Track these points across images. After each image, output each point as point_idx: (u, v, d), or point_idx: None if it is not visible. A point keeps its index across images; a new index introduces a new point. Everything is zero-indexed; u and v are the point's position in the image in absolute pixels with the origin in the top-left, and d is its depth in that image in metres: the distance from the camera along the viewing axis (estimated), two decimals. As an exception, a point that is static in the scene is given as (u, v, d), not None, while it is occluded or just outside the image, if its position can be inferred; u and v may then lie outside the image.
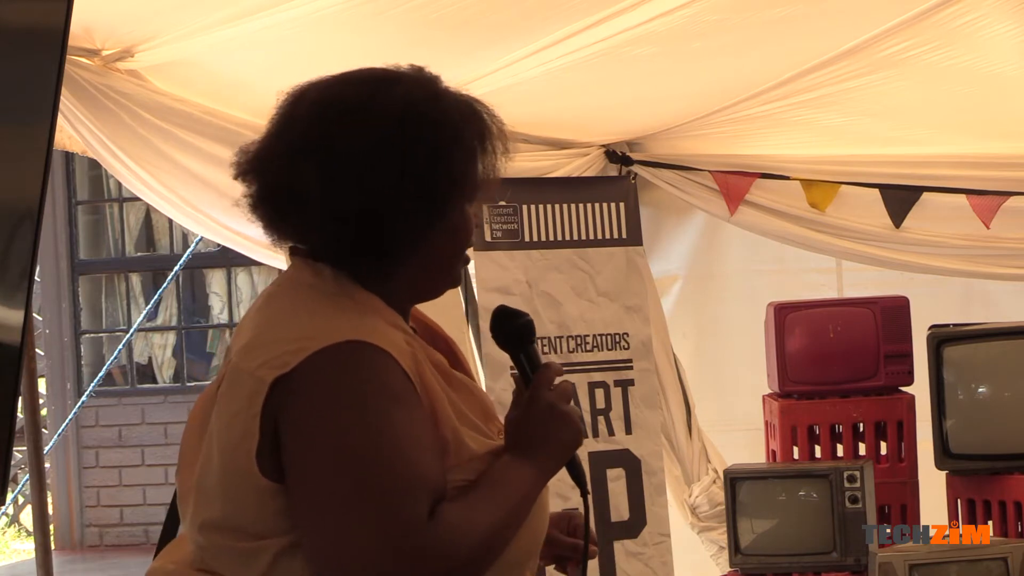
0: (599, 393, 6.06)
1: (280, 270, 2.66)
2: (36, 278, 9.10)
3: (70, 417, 10.61)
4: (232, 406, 2.23)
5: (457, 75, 6.24)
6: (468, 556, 2.21)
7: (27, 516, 13.97)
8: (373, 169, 2.29)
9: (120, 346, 11.09)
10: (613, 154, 6.52)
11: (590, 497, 2.49)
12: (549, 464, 2.35)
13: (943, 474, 5.45)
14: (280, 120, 2.44)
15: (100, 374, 10.07)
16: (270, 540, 2.22)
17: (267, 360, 2.21)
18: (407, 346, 2.26)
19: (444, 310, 5.99)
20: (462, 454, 2.27)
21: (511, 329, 2.46)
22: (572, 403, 2.40)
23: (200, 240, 8.48)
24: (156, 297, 11.39)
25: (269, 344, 2.23)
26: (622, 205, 6.28)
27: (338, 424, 2.18)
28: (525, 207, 6.07)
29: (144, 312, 11.12)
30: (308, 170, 2.31)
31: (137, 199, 9.67)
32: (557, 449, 2.37)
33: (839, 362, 5.58)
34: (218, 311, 14.07)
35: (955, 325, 5.55)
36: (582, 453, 2.58)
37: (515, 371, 2.46)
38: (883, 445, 5.57)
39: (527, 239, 6.09)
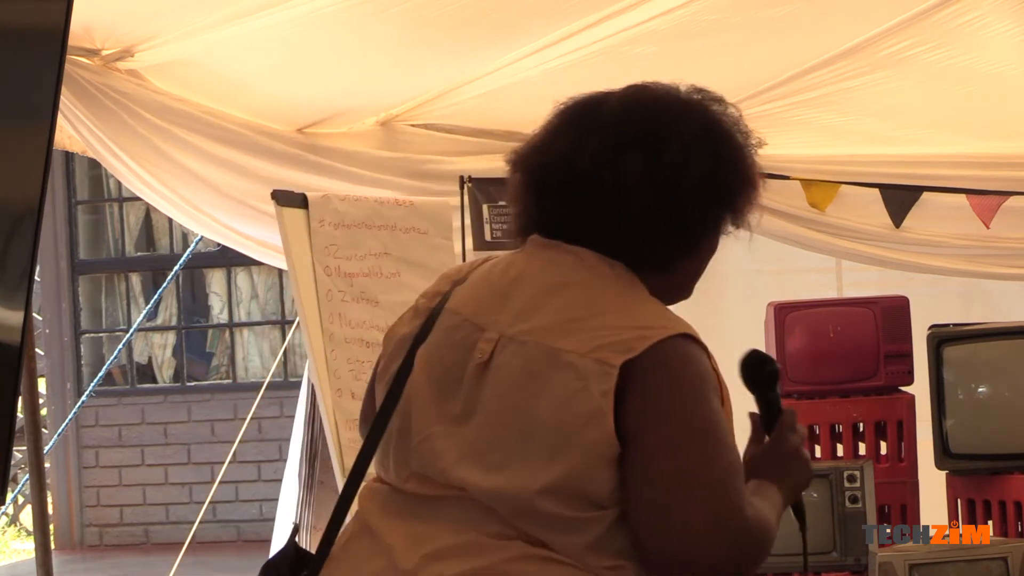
0: (599, 393, 6.06)
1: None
2: (36, 278, 9.09)
3: (70, 417, 10.61)
4: (565, 384, 2.35)
5: (457, 75, 6.29)
6: (768, 546, 2.44)
7: (27, 516, 13.97)
8: (690, 172, 2.47)
9: (120, 346, 11.09)
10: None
11: (807, 533, 2.76)
12: (782, 500, 2.58)
13: (943, 474, 5.45)
14: (582, 120, 2.57)
15: (100, 374, 10.07)
16: (609, 510, 2.37)
17: (606, 344, 2.36)
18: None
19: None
20: None
21: (760, 376, 2.71)
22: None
23: (200, 240, 8.48)
24: (156, 297, 11.38)
25: (599, 329, 2.38)
26: (622, 205, 6.28)
27: (684, 407, 2.39)
28: (525, 207, 6.07)
29: (144, 312, 11.12)
30: (633, 163, 2.46)
31: (137, 199, 9.67)
32: (791, 488, 2.60)
33: (839, 362, 5.58)
34: (218, 311, 14.07)
35: (955, 325, 5.55)
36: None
37: (753, 412, 2.73)
38: (883, 445, 5.57)
39: (527, 239, 6.09)
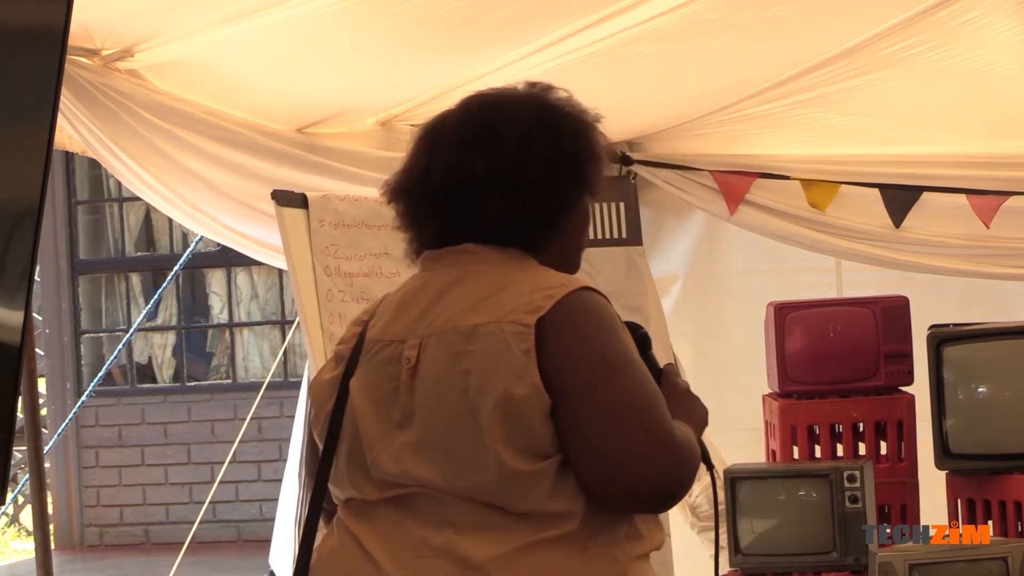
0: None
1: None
2: (36, 278, 9.09)
3: (70, 417, 10.61)
4: (486, 353, 2.57)
5: (457, 75, 6.29)
6: (696, 464, 2.65)
7: (27, 516, 13.97)
8: (532, 156, 2.70)
9: (120, 346, 11.09)
10: (613, 154, 6.52)
11: (715, 471, 2.93)
12: (693, 432, 2.74)
13: (943, 474, 5.45)
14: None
15: (100, 374, 10.07)
16: (555, 457, 2.57)
17: (516, 308, 2.59)
18: None
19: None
20: None
21: (634, 339, 2.75)
22: None
23: (200, 240, 8.48)
24: (156, 297, 11.38)
25: (506, 300, 2.61)
26: (622, 205, 6.28)
27: (600, 346, 2.59)
28: (525, 207, 6.07)
29: (144, 312, 11.12)
30: (477, 159, 2.69)
31: (137, 199, 9.67)
32: (697, 422, 2.78)
33: (839, 362, 5.57)
34: (218, 311, 14.07)
35: (955, 325, 5.54)
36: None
37: None
38: (883, 445, 5.57)
39: (527, 239, 6.10)
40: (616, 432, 2.56)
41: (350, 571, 2.67)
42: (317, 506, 2.78)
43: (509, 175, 2.68)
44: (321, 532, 2.79)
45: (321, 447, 2.76)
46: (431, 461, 2.61)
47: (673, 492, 2.60)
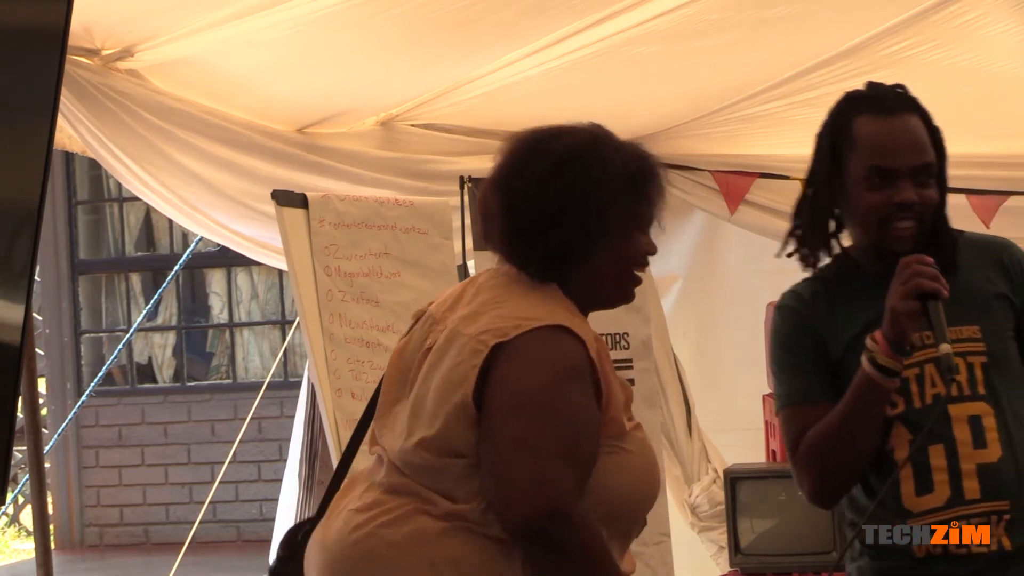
0: (599, 393, 6.07)
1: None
2: (36, 278, 9.09)
3: (70, 417, 10.62)
4: (453, 358, 2.82)
5: (457, 75, 6.28)
6: (583, 539, 2.74)
7: (27, 516, 13.98)
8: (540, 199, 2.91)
9: (120, 346, 11.09)
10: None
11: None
12: None
13: (943, 474, 5.44)
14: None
15: (100, 374, 10.07)
16: (467, 459, 2.80)
17: (489, 329, 2.81)
18: (594, 339, 2.85)
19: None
20: (612, 431, 2.83)
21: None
22: None
23: (200, 240, 8.48)
24: (156, 297, 11.39)
25: (492, 318, 2.84)
26: (622, 205, 6.28)
27: (530, 385, 2.78)
28: (525, 207, 6.08)
29: (144, 312, 11.12)
30: (494, 201, 2.98)
31: (137, 199, 9.67)
32: None
33: (839, 362, 5.57)
34: (218, 311, 14.08)
35: (955, 325, 5.53)
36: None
37: None
38: (883, 445, 5.56)
39: (527, 239, 6.10)
40: (505, 464, 2.74)
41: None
42: (353, 447, 3.14)
43: (515, 215, 2.92)
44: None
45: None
46: (396, 434, 2.91)
47: (537, 542, 2.73)
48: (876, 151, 2.97)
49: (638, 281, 3.00)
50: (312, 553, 2.96)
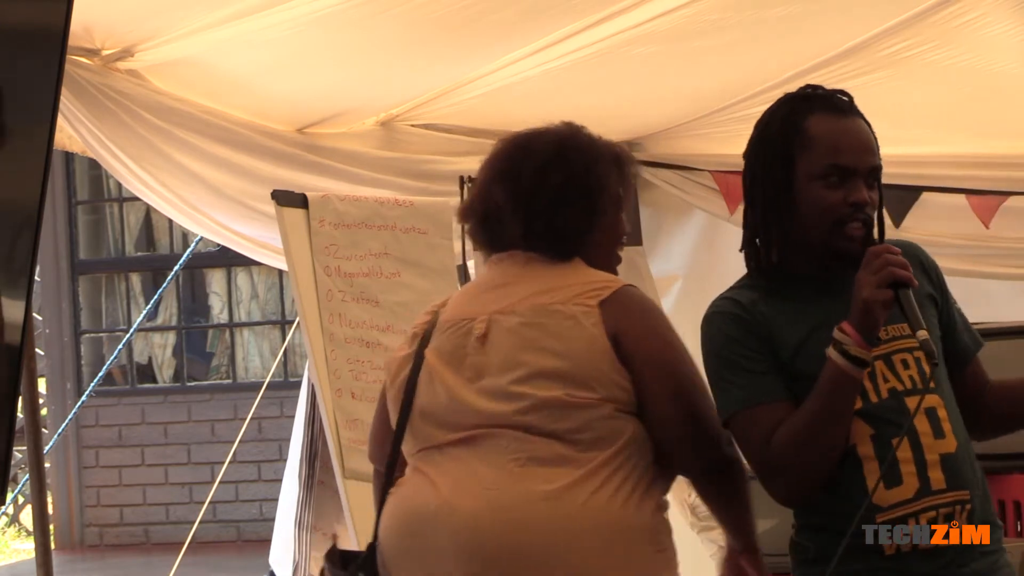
0: (599, 393, 6.07)
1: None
2: (36, 278, 9.09)
3: (70, 417, 10.62)
4: (562, 324, 3.11)
5: (457, 75, 6.27)
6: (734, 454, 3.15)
7: (27, 516, 13.98)
8: (545, 187, 3.24)
9: (120, 346, 11.09)
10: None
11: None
12: None
13: (943, 474, 5.45)
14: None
15: (100, 374, 10.07)
16: (610, 405, 3.09)
17: (579, 294, 3.15)
18: None
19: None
20: None
21: None
22: None
23: (200, 240, 8.48)
24: (156, 297, 11.39)
25: (570, 288, 3.16)
26: (622, 205, 6.28)
27: (668, 329, 3.23)
28: (525, 207, 6.08)
29: (144, 312, 11.13)
30: (499, 192, 3.26)
31: (137, 199, 9.68)
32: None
33: (839, 361, 5.56)
34: (218, 311, 14.08)
35: (955, 325, 5.54)
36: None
37: None
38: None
39: (527, 239, 6.10)
40: (691, 407, 3.11)
41: (415, 497, 3.14)
42: (397, 448, 3.25)
43: (527, 203, 3.21)
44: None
45: (395, 411, 3.27)
46: (505, 402, 3.10)
47: (710, 470, 3.16)
48: (834, 149, 2.97)
49: (619, 260, 3.36)
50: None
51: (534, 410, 3.08)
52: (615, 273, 3.31)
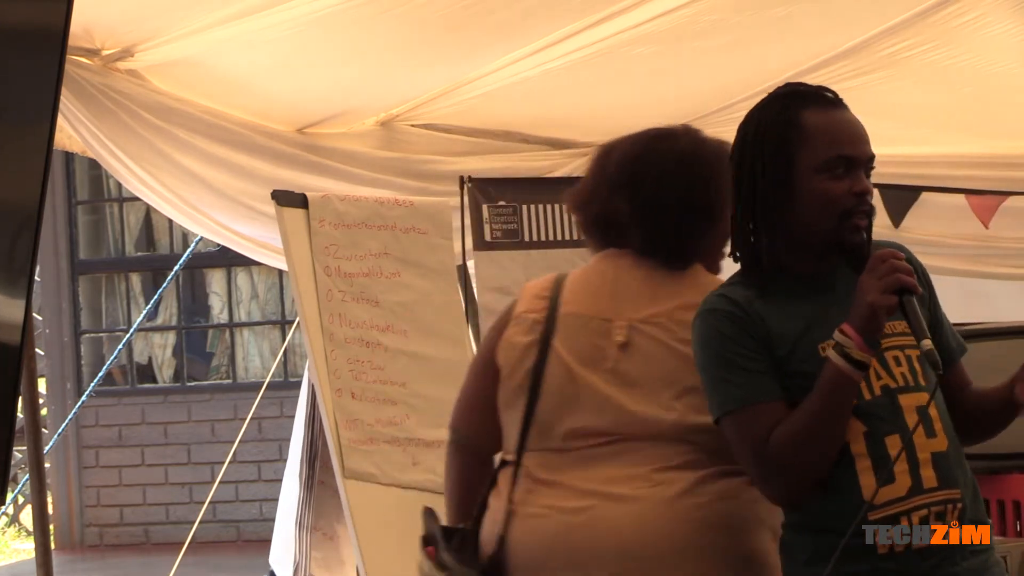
0: (599, 393, 6.08)
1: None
2: (36, 278, 9.10)
3: (70, 417, 10.62)
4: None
5: (457, 75, 6.27)
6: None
7: (27, 516, 13.98)
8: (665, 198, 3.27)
9: (120, 346, 11.09)
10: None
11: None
12: None
13: (943, 474, 5.44)
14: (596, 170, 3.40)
15: (100, 374, 10.07)
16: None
17: (686, 305, 3.14)
18: None
19: (445, 309, 6.01)
20: None
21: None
22: None
23: (200, 240, 8.48)
24: (156, 297, 11.39)
25: (696, 298, 3.10)
26: (622, 205, 6.28)
27: None
28: (525, 207, 6.08)
29: (144, 312, 11.13)
30: (621, 199, 3.29)
31: (137, 199, 9.69)
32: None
33: (839, 362, 5.56)
34: (218, 311, 14.08)
35: (954, 325, 5.54)
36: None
37: None
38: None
39: (527, 239, 6.10)
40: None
41: (564, 513, 3.12)
42: (525, 437, 3.21)
43: (650, 212, 3.25)
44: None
45: (519, 399, 3.22)
46: (660, 409, 3.12)
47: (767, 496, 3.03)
48: (837, 140, 2.96)
49: (724, 257, 3.34)
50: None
51: (685, 423, 3.11)
52: (719, 272, 3.33)
